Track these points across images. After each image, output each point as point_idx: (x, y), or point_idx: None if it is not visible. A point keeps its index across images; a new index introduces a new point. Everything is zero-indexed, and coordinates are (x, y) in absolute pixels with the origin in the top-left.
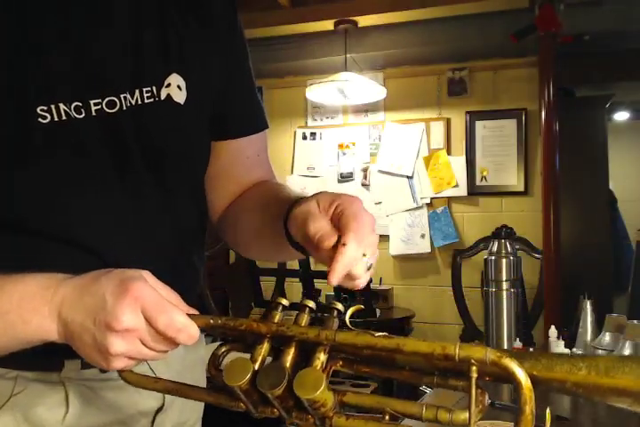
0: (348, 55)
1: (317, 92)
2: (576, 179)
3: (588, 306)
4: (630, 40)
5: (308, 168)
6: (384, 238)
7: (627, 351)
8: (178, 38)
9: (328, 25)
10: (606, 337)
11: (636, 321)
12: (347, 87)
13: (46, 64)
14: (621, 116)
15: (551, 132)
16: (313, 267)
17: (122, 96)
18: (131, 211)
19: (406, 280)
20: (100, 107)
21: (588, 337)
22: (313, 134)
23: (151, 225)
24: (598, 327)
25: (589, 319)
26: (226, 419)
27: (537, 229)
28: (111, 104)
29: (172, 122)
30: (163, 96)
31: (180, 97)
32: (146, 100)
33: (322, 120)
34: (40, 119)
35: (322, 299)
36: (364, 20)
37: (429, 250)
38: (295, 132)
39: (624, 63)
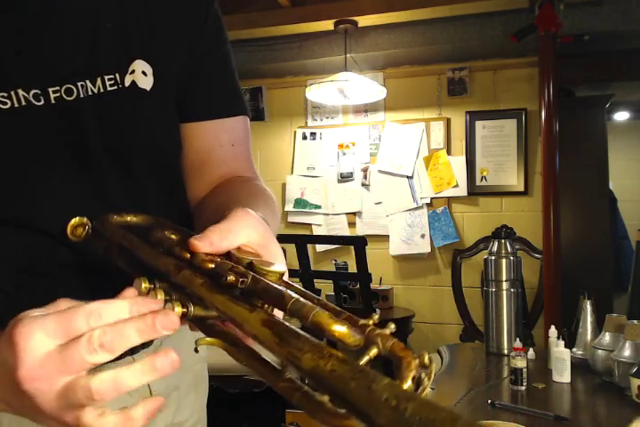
0: (348, 55)
1: (317, 92)
2: (576, 179)
3: (588, 306)
4: (630, 40)
5: (307, 168)
6: (384, 238)
7: (627, 351)
8: (141, 24)
9: (328, 25)
10: (606, 337)
11: (635, 321)
12: (347, 87)
13: (1, 51)
14: (621, 116)
15: (551, 133)
16: (313, 267)
17: (79, 84)
18: (93, 198)
19: (406, 280)
20: (58, 95)
21: (588, 337)
22: (313, 134)
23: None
24: (598, 327)
25: (589, 319)
26: (227, 419)
27: (537, 229)
28: (69, 92)
29: (136, 109)
30: (127, 83)
31: (145, 83)
32: (109, 88)
33: (322, 120)
34: (1, 105)
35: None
36: (364, 20)
37: (429, 250)
38: (295, 132)
39: (624, 63)
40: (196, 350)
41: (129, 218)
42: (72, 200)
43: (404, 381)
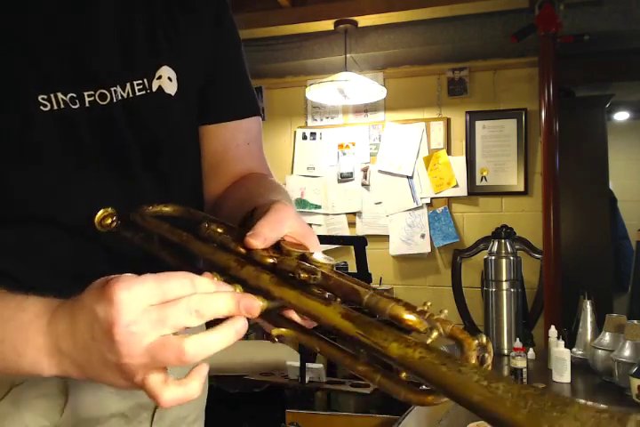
0: (348, 55)
1: (317, 92)
2: (576, 179)
3: (588, 306)
4: (630, 40)
5: (307, 168)
6: (384, 238)
7: (627, 351)
8: (165, 31)
9: (328, 25)
10: (606, 337)
11: (635, 321)
12: (347, 87)
13: (37, 54)
14: (621, 116)
15: (551, 133)
16: None
17: (112, 89)
18: (126, 198)
19: (406, 280)
20: (93, 99)
21: (588, 337)
22: (313, 134)
23: None
24: (598, 327)
25: (589, 319)
26: (227, 419)
27: (537, 229)
28: (102, 96)
29: (164, 113)
30: (154, 88)
31: (170, 89)
32: (137, 93)
33: (322, 120)
34: (42, 107)
35: None
36: (364, 20)
37: (429, 250)
38: (295, 132)
39: (624, 63)
40: (273, 340)
41: (160, 208)
42: (106, 200)
43: (470, 359)
